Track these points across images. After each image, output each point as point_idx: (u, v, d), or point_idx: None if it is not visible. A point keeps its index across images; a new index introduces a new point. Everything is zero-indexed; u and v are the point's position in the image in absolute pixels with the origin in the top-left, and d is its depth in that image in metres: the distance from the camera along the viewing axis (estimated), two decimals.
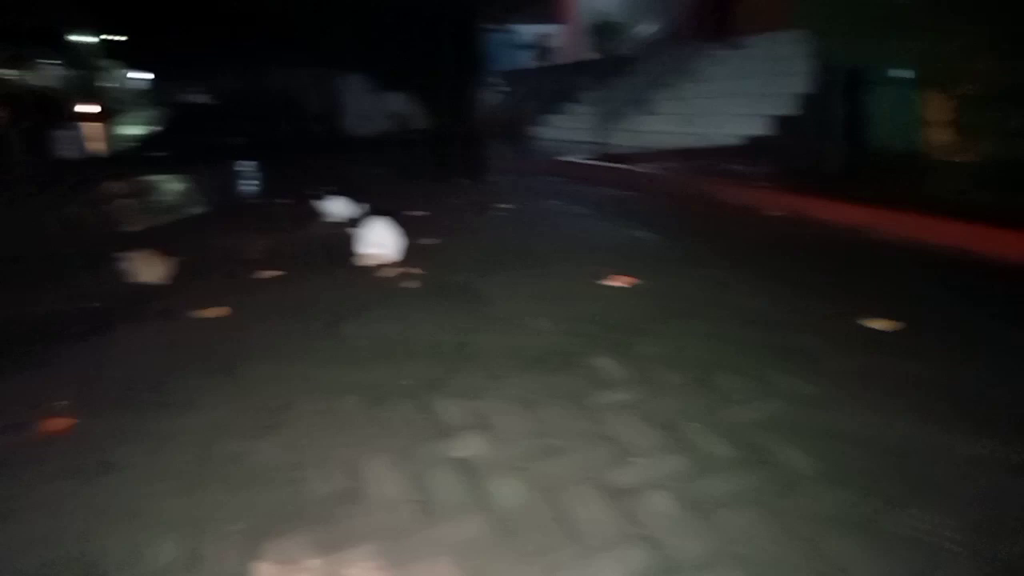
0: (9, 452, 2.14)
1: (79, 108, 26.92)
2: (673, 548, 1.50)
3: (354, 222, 4.86)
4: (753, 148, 7.10)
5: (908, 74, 5.06)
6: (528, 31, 14.86)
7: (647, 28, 10.34)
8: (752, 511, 1.60)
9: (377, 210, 4.48)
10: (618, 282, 3.26)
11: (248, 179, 10.07)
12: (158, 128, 23.08)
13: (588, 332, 2.72)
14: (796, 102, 7.13)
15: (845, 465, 1.76)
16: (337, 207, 5.24)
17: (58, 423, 2.30)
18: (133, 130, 22.86)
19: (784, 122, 7.25)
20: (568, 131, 11.29)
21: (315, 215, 5.30)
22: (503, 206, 5.48)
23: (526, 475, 1.79)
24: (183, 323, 3.24)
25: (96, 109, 28.94)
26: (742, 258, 3.68)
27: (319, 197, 5.28)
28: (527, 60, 14.99)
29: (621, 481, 1.74)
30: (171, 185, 9.22)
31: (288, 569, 1.54)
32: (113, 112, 29.91)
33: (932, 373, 2.25)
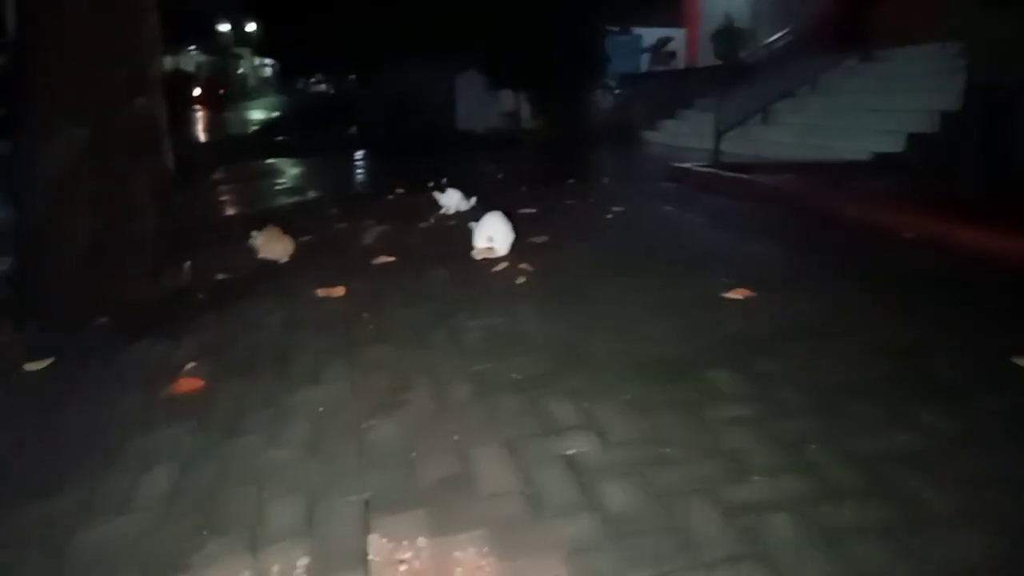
0: (144, 409, 2.30)
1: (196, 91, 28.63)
2: (794, 573, 1.44)
3: (467, 215, 4.94)
4: (881, 165, 6.71)
5: None
6: (649, 34, 14.63)
7: (773, 35, 9.96)
8: (881, 545, 1.51)
9: (489, 205, 4.52)
10: (736, 294, 3.15)
11: (363, 168, 10.45)
12: (279, 114, 24.35)
13: (704, 343, 2.64)
14: (933, 120, 6.71)
15: (986, 509, 1.63)
16: (452, 199, 5.33)
17: (188, 385, 2.46)
18: (255, 115, 24.22)
19: (918, 140, 6.82)
20: (682, 137, 11.06)
21: (429, 206, 5.41)
22: (615, 208, 5.42)
23: (638, 481, 1.76)
24: (304, 300, 3.39)
25: (197, 92, 30.50)
26: (871, 280, 3.47)
27: (434, 188, 5.39)
28: (645, 63, 14.76)
29: (739, 498, 1.67)
30: (291, 170, 9.68)
31: (400, 546, 1.57)
32: (218, 96, 31.50)
33: None
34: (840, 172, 6.45)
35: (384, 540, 1.59)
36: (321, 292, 3.46)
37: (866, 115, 8.12)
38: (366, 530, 1.62)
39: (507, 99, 14.05)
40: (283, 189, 7.93)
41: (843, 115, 8.50)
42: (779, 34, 9.61)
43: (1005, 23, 4.63)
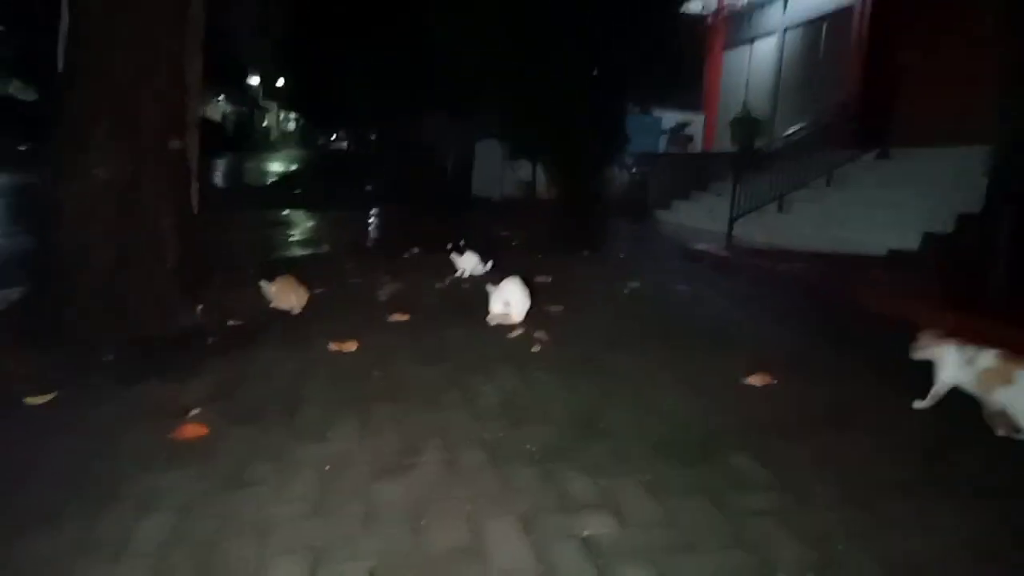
0: (145, 452, 2.23)
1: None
2: None
3: (482, 279, 4.93)
4: (896, 261, 6.72)
5: None
6: (668, 117, 14.97)
7: (789, 128, 10.17)
8: None
9: (505, 270, 4.51)
10: (757, 379, 3.08)
11: (379, 226, 10.53)
12: (297, 167, 24.85)
13: (724, 426, 2.56)
14: (952, 220, 6.73)
15: None
16: (468, 262, 5.33)
17: (192, 431, 2.40)
18: (275, 167, 24.74)
19: (934, 239, 6.84)
20: (695, 218, 11.18)
21: (444, 267, 5.40)
22: (631, 284, 5.40)
23: (658, 568, 1.67)
24: (315, 352, 3.34)
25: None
26: (894, 372, 3.40)
27: (452, 250, 5.39)
28: (663, 144, 15.06)
29: None
30: (306, 223, 9.76)
31: None
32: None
33: None
34: (855, 265, 6.44)
35: None
36: (333, 346, 3.42)
37: (881, 211, 8.18)
38: None
39: (523, 168, 14.25)
40: (298, 240, 7.97)
41: (858, 209, 8.57)
42: (796, 127, 9.81)
43: None
